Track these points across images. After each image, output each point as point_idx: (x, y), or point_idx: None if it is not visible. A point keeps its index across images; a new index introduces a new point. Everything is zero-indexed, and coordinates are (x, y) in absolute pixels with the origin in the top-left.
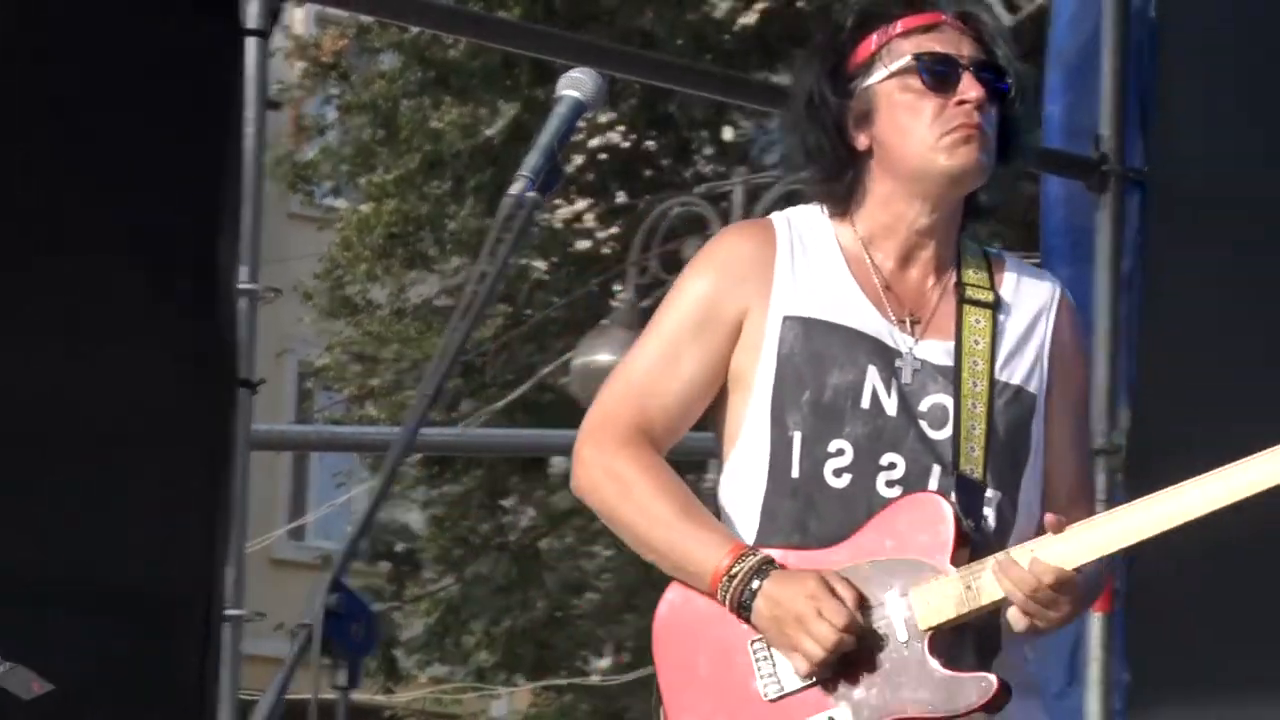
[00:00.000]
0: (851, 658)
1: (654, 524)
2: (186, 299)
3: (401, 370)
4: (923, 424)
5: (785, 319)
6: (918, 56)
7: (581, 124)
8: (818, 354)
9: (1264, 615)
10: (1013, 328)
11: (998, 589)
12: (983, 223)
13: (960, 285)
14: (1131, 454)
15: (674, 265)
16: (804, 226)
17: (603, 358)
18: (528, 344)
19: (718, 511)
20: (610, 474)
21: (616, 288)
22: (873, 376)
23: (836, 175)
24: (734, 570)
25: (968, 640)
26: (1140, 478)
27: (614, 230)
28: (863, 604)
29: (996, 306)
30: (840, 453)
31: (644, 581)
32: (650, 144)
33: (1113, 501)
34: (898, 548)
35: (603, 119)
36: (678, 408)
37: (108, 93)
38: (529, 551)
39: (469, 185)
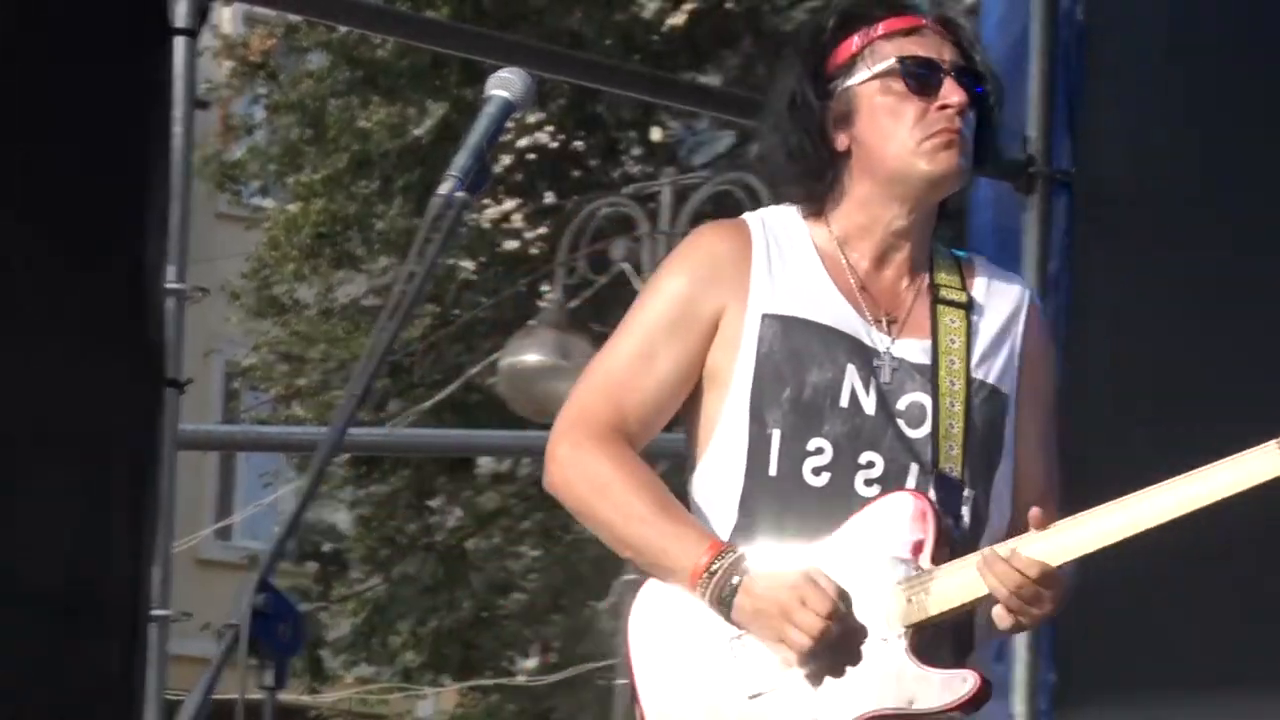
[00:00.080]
0: (832, 654)
1: (630, 521)
2: (113, 298)
3: (329, 370)
4: (900, 423)
5: (764, 317)
6: (901, 59)
7: (510, 124)
8: (797, 352)
9: (1187, 616)
10: (986, 328)
11: (979, 586)
12: (949, 226)
13: (934, 286)
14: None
15: (601, 266)
16: (778, 227)
17: (530, 358)
18: (455, 344)
19: (690, 508)
20: (586, 471)
21: (544, 288)
22: (852, 375)
23: (818, 176)
24: (714, 567)
25: (945, 638)
26: (1074, 478)
27: (542, 230)
28: (843, 600)
29: (970, 307)
30: (819, 451)
31: (570, 582)
32: (578, 144)
33: None
34: (878, 546)
35: (531, 119)
36: (653, 405)
37: (33, 90)
38: (456, 552)
39: (397, 185)
